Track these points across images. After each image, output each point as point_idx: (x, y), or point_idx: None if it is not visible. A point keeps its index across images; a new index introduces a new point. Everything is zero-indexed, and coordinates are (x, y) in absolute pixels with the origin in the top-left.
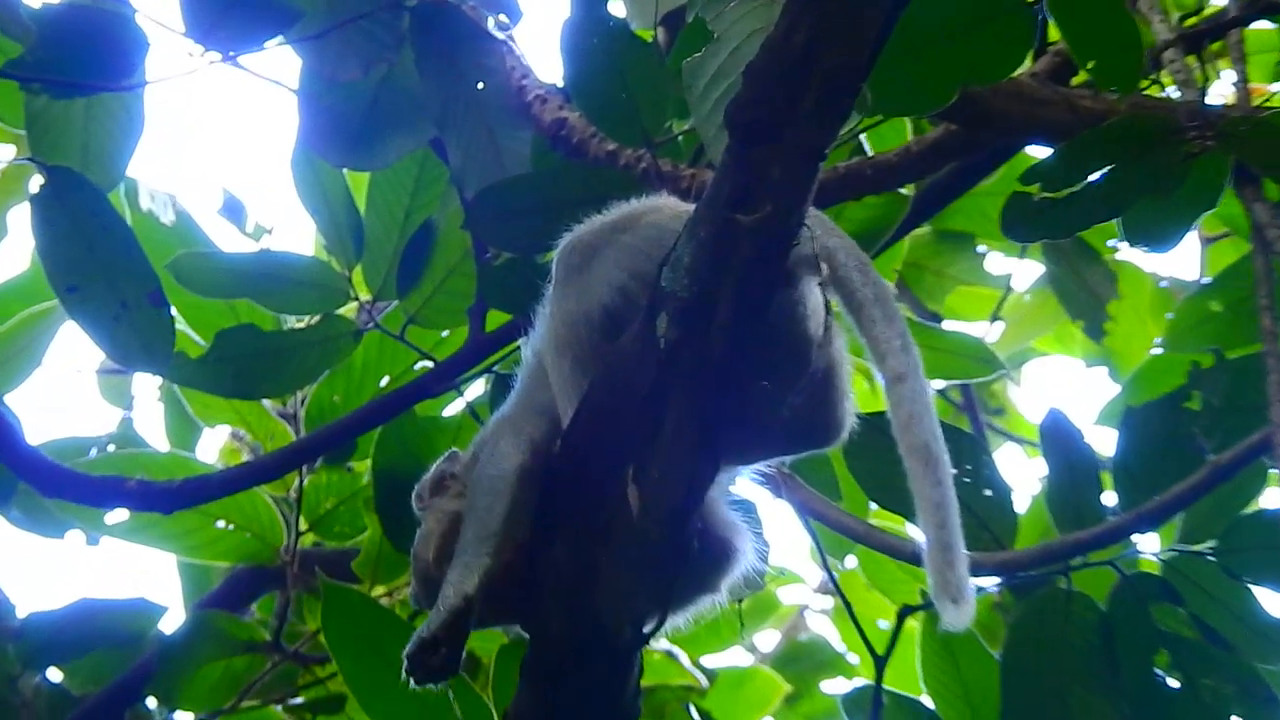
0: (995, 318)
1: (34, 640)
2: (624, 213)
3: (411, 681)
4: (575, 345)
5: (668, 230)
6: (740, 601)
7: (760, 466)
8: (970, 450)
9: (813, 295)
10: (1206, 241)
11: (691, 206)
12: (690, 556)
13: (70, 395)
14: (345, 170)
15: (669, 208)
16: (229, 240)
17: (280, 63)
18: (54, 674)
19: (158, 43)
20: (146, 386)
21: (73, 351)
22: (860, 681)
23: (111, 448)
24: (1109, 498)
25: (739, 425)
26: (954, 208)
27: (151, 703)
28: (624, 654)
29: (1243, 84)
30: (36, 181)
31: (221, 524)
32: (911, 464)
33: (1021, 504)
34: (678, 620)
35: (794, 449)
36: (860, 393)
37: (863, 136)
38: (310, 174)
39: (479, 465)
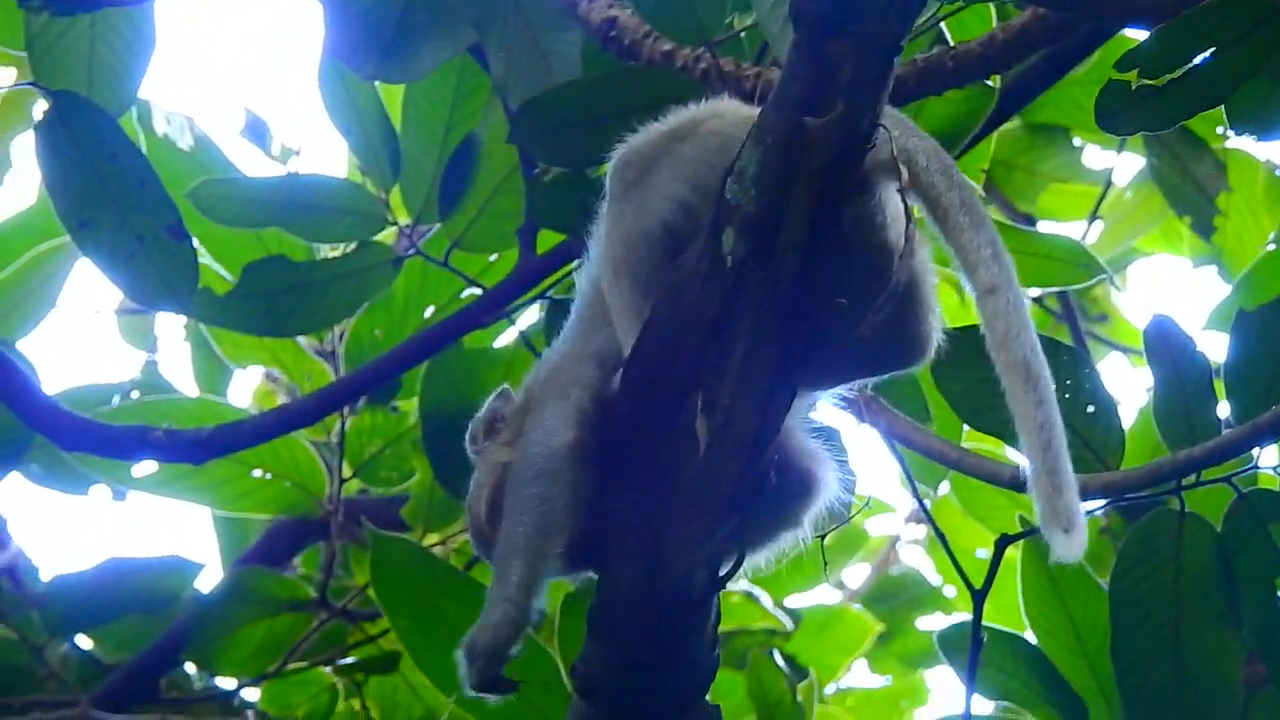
0: (1094, 217)
1: (60, 605)
2: (683, 120)
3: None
4: (634, 266)
5: (731, 138)
6: (825, 536)
7: (841, 390)
8: (1070, 363)
9: (891, 203)
10: None
11: (756, 110)
12: (767, 490)
13: (88, 339)
14: (378, 83)
15: (732, 113)
16: (253, 164)
17: None
18: (83, 641)
19: None
20: (170, 326)
21: (89, 291)
22: (958, 617)
23: (135, 394)
24: (1222, 409)
25: (816, 347)
26: (1045, 99)
27: (189, 668)
28: (699, 600)
29: None
30: (40, 108)
31: (258, 473)
32: (1010, 383)
33: (1128, 419)
34: (757, 560)
35: (877, 370)
36: (949, 306)
37: (942, 25)
38: (339, 88)
39: (526, 436)
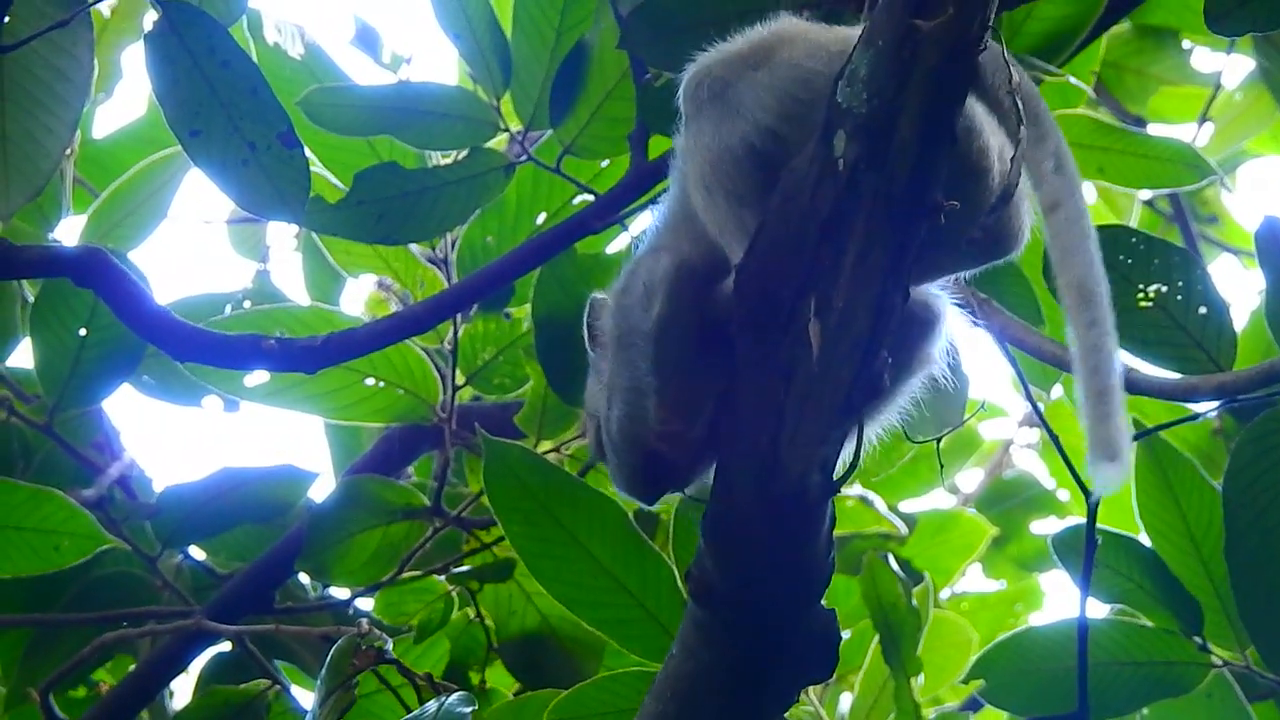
0: (1204, 119)
1: (173, 516)
2: (754, 44)
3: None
4: (725, 182)
5: (803, 69)
6: (940, 440)
7: (943, 282)
8: (1182, 264)
9: (978, 106)
10: None
11: (824, 33)
12: (881, 392)
13: (200, 249)
14: None
15: (803, 39)
16: (364, 73)
17: None
18: (196, 552)
19: None
20: (282, 236)
21: (200, 201)
22: (1072, 520)
23: (247, 304)
24: None
25: (926, 247)
26: (1155, 1)
27: (304, 578)
28: (814, 504)
29: None
30: (150, 18)
31: (371, 381)
32: (1067, 302)
33: (1240, 320)
34: (896, 411)
35: (976, 263)
36: None
37: None
38: None
39: (617, 304)
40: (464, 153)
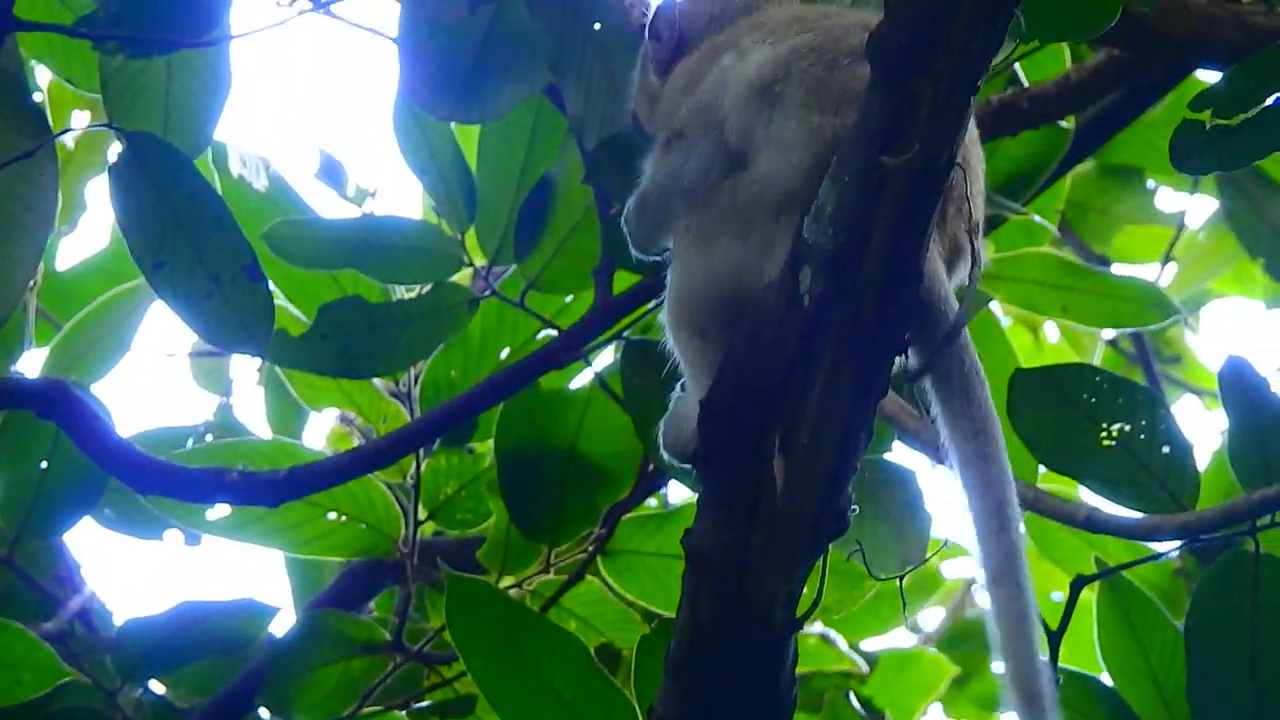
0: (1168, 259)
1: (133, 650)
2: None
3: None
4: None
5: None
6: (903, 578)
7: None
8: (1145, 404)
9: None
10: None
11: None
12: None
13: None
14: (453, 124)
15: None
16: (329, 206)
17: (377, 7)
18: (157, 686)
19: None
20: (245, 369)
21: (163, 334)
22: None
23: (210, 437)
24: None
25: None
26: (1119, 140)
27: (264, 713)
28: (778, 639)
29: None
30: (115, 149)
31: (333, 516)
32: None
33: (1202, 460)
34: None
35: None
36: (1023, 347)
37: (1017, 66)
38: (414, 129)
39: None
40: (428, 287)
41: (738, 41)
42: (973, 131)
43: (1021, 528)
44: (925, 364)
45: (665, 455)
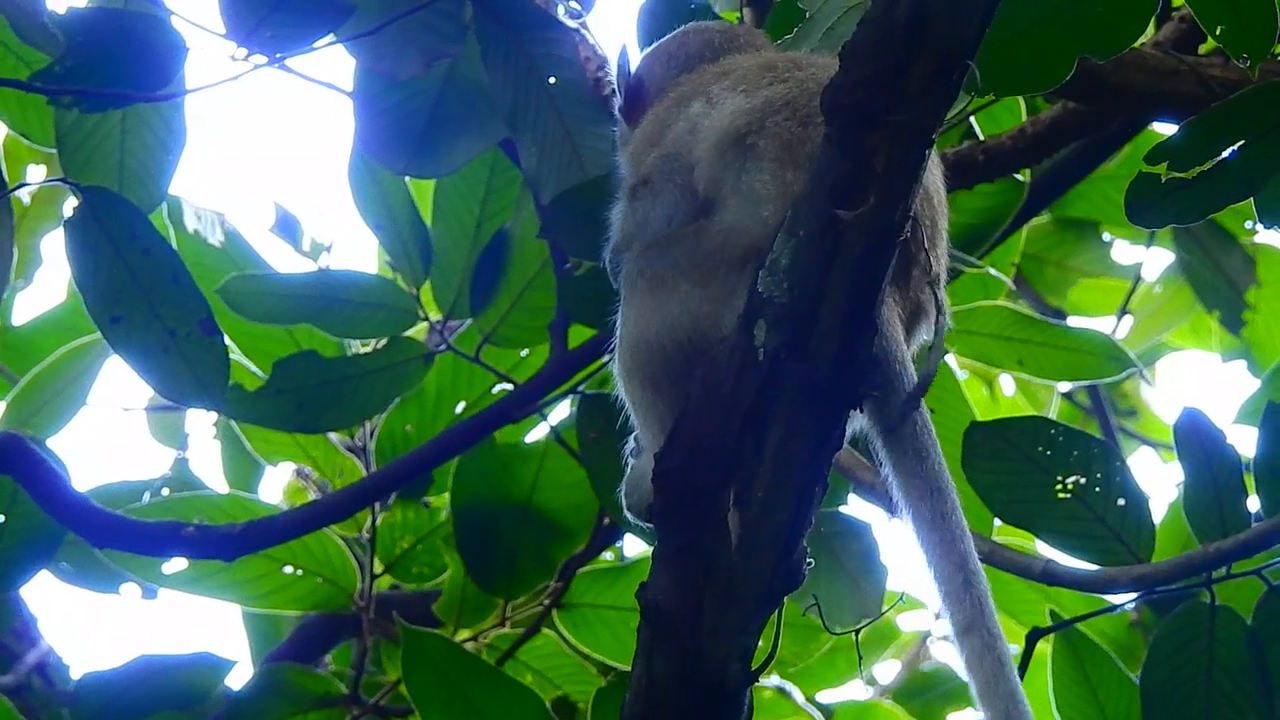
0: (1124, 311)
1: (91, 704)
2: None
3: None
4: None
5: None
6: (859, 631)
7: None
8: (1101, 456)
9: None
10: None
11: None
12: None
13: (118, 436)
14: (408, 178)
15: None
16: (284, 260)
17: (332, 63)
18: None
19: (197, 47)
20: (201, 423)
21: (119, 388)
22: None
23: (166, 491)
24: (1253, 503)
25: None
26: (1075, 193)
27: None
28: (733, 693)
29: None
30: (70, 204)
31: (289, 569)
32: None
33: (1158, 512)
34: None
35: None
36: (978, 401)
37: (973, 119)
38: (370, 184)
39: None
40: (384, 341)
41: (706, 89)
42: (939, 184)
43: (984, 579)
44: (886, 427)
45: (629, 516)
